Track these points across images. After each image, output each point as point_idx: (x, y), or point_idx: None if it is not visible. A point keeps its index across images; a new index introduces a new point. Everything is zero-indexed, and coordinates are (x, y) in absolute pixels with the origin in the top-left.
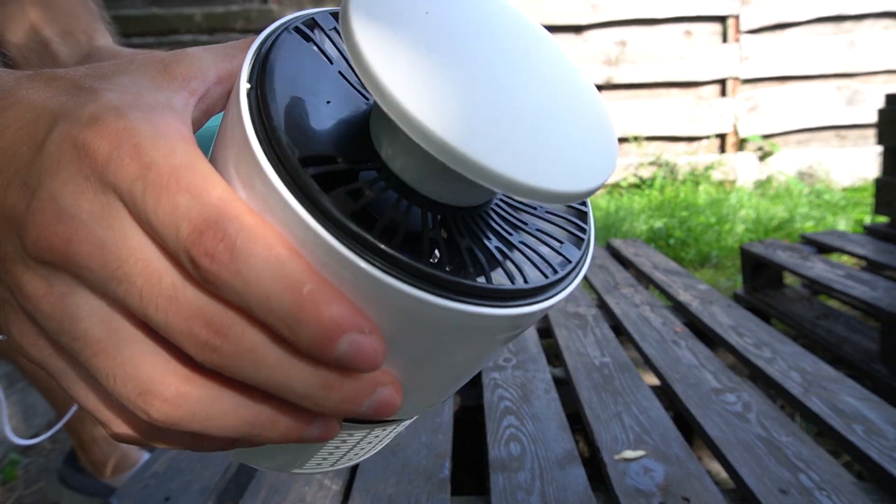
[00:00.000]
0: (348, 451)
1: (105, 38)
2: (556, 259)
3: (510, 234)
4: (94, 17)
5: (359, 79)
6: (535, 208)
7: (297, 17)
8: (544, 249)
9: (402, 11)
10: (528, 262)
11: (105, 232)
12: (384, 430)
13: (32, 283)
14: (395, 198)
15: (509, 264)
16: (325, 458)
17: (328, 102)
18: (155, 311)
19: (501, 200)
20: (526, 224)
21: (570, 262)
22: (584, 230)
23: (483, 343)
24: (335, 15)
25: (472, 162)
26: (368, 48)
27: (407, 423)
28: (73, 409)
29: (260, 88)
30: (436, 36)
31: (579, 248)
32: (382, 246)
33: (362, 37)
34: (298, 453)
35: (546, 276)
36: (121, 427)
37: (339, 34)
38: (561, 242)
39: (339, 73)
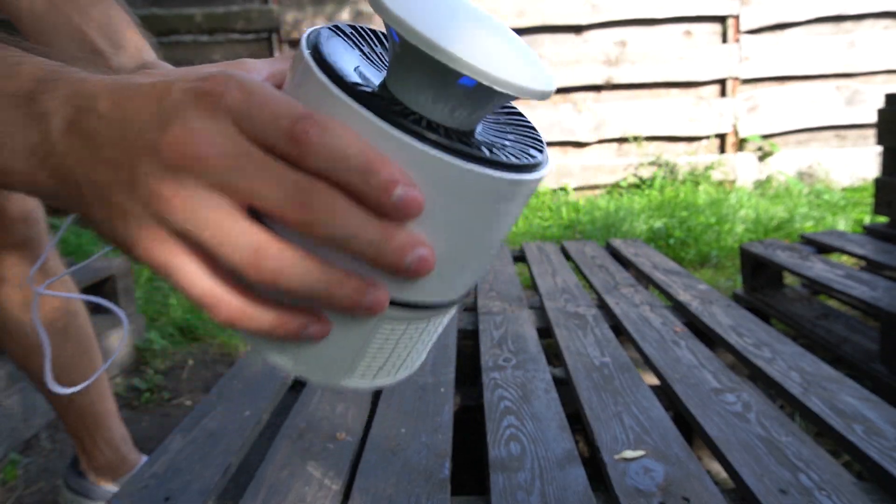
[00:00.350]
0: (391, 355)
1: (151, 55)
2: (532, 152)
3: (500, 138)
4: (141, 37)
5: (376, 54)
6: (507, 127)
7: (323, 26)
8: (522, 147)
9: None
10: (517, 153)
11: (224, 139)
12: (419, 326)
13: (168, 188)
14: (414, 115)
15: (505, 153)
16: (372, 360)
17: (356, 68)
18: (261, 188)
19: (485, 124)
20: (506, 136)
21: (541, 152)
22: (539, 138)
23: (492, 209)
24: (352, 26)
25: (460, 59)
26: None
27: (437, 322)
28: (108, 361)
29: (315, 52)
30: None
31: (542, 150)
32: (417, 128)
33: None
34: (351, 352)
35: (532, 157)
36: (225, 307)
37: (357, 38)
38: (529, 145)
39: (363, 54)
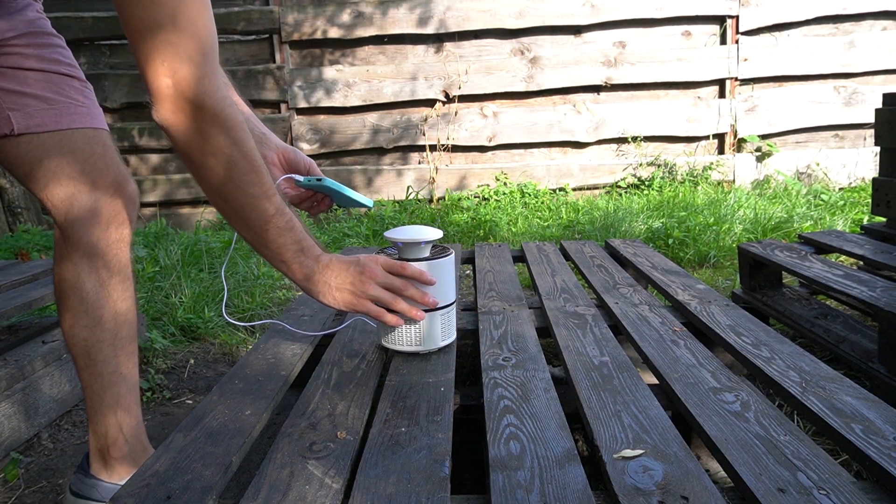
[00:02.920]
0: (416, 335)
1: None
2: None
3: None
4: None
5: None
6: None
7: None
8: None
9: None
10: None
11: (385, 280)
12: (421, 325)
13: (372, 291)
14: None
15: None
16: (439, 331)
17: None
18: (381, 294)
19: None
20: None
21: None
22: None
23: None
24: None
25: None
26: None
27: (437, 316)
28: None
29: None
30: None
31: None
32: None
33: None
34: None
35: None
36: (389, 318)
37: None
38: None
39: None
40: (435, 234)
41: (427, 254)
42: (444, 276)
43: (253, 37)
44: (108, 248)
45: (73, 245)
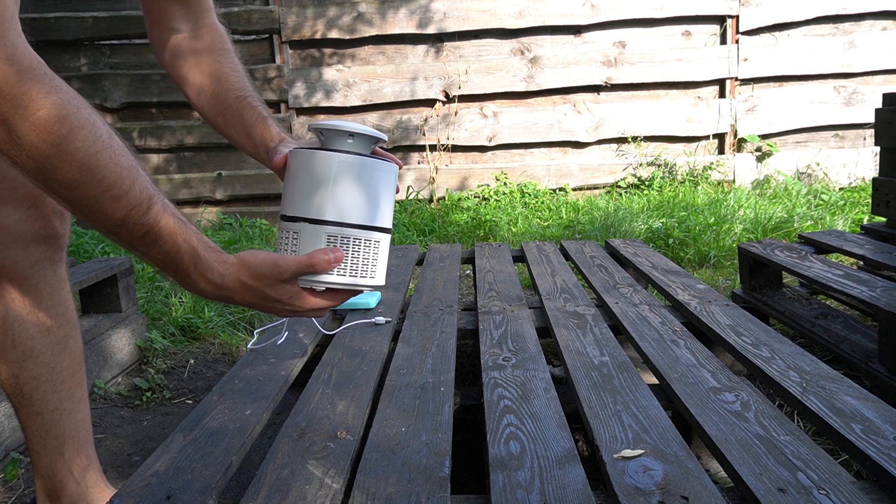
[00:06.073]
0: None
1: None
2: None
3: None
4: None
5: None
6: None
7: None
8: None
9: None
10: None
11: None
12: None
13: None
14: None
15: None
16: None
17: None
18: (302, 305)
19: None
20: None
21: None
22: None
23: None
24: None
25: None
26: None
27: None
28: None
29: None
30: None
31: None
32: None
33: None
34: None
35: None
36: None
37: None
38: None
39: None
40: (367, 129)
41: (357, 150)
42: (370, 187)
43: (253, 37)
44: (30, 270)
45: None
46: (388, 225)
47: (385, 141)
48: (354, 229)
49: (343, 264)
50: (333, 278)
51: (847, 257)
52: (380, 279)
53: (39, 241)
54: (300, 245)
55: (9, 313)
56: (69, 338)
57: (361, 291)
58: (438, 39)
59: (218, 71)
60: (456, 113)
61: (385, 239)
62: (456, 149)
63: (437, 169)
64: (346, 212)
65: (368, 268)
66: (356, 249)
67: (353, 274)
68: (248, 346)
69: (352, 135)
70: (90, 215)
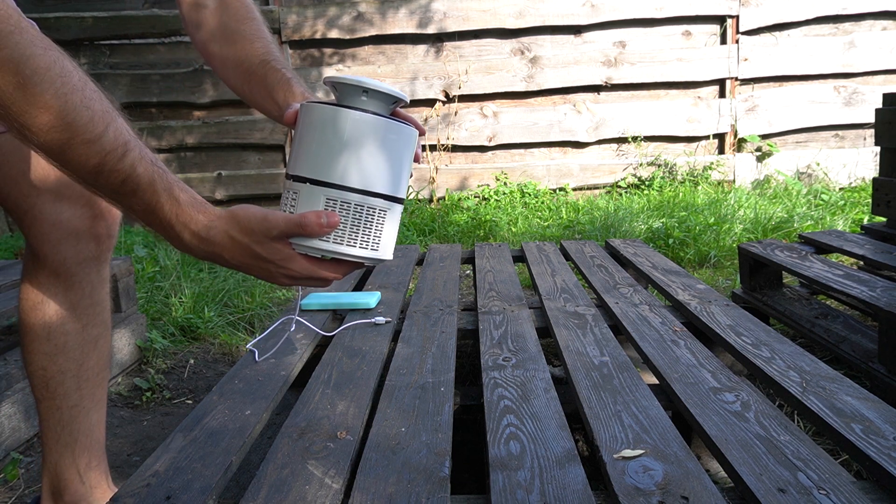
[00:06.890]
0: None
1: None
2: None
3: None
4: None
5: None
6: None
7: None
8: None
9: None
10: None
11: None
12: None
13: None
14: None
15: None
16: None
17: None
18: (295, 269)
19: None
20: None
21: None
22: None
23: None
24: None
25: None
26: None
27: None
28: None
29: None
30: None
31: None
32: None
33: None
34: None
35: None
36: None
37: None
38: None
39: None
40: (386, 87)
41: (372, 108)
42: (381, 150)
43: None
44: (77, 267)
45: (41, 262)
46: (399, 194)
47: (407, 102)
48: (356, 194)
49: (342, 232)
50: (330, 245)
51: (847, 257)
52: (384, 253)
53: (90, 238)
54: (297, 206)
55: (49, 307)
56: (100, 338)
57: (363, 265)
58: (438, 39)
59: (242, 39)
60: (456, 113)
61: (394, 209)
62: (456, 149)
63: (437, 169)
64: (348, 175)
65: (370, 239)
66: (357, 216)
67: (352, 243)
68: (248, 346)
69: (366, 91)
70: (66, 163)
